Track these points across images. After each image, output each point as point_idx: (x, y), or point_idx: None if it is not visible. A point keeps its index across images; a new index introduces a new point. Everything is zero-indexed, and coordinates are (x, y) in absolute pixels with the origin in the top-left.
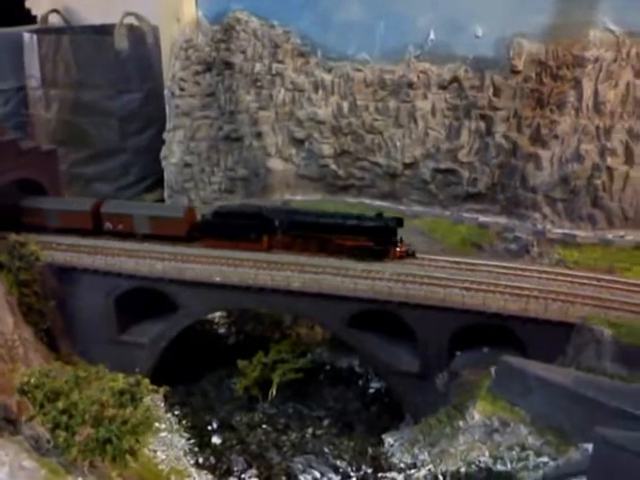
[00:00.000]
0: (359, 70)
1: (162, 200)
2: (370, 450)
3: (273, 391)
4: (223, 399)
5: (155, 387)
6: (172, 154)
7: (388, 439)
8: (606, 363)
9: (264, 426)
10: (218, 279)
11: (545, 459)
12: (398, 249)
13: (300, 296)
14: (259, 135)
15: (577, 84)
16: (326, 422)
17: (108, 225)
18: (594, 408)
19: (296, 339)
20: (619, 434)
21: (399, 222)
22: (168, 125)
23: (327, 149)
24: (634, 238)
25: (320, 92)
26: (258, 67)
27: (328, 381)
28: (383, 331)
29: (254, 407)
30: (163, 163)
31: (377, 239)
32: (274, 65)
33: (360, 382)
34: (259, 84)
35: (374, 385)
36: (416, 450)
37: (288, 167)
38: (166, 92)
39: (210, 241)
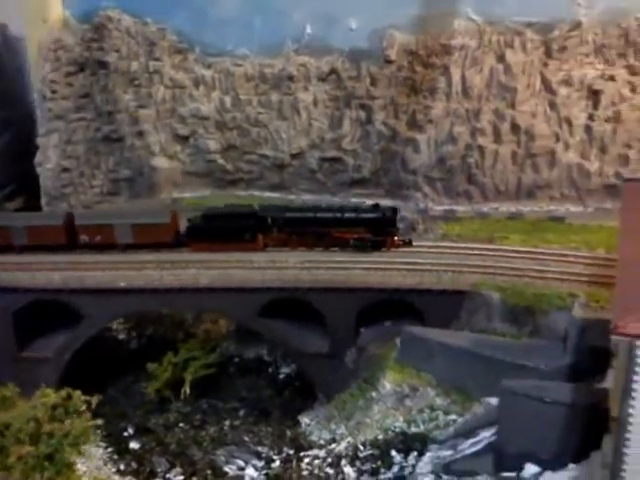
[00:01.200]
0: (239, 65)
1: (24, 209)
2: (288, 432)
3: (186, 389)
4: (135, 404)
5: (87, 398)
6: (47, 159)
7: (304, 419)
8: (496, 323)
9: (181, 425)
10: (123, 284)
11: (453, 417)
12: (396, 238)
13: (209, 292)
14: (140, 134)
15: (446, 71)
16: (242, 412)
17: (84, 238)
18: (491, 365)
19: (204, 336)
20: (522, 384)
21: (395, 211)
22: (41, 130)
23: (213, 144)
24: (507, 209)
25: (201, 88)
26: (135, 65)
27: (239, 373)
28: (293, 317)
29: (168, 408)
30: (38, 169)
31: (375, 230)
32: (151, 63)
33: (270, 369)
34: (137, 82)
35: (284, 370)
36: (333, 425)
37: (174, 165)
38: (36, 95)
39: (200, 245)
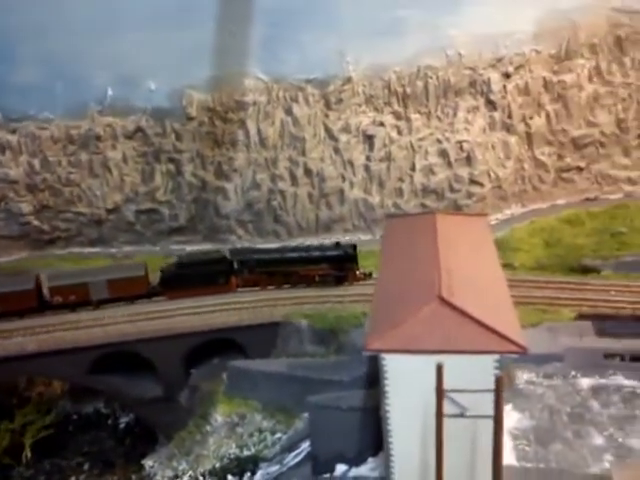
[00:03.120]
0: (44, 128)
1: None
2: (134, 477)
3: (27, 453)
4: None
5: None
6: None
7: (148, 462)
8: (307, 346)
9: None
10: None
11: (279, 435)
12: (358, 272)
13: (38, 357)
14: None
15: (243, 124)
16: (86, 466)
17: (57, 299)
18: (305, 383)
19: (38, 399)
20: (325, 397)
21: (354, 248)
22: None
23: (26, 207)
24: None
25: (8, 153)
26: None
27: (79, 429)
28: (126, 367)
29: (10, 475)
30: None
31: (338, 266)
32: None
33: (110, 421)
34: None
35: (124, 420)
36: (175, 463)
37: None
38: None
39: (175, 293)
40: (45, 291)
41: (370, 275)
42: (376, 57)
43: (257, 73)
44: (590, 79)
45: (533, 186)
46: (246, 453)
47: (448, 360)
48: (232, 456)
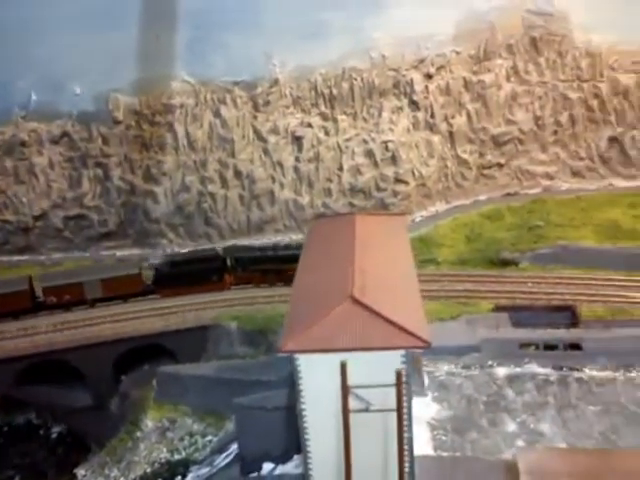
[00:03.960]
0: None
1: None
2: None
3: None
4: None
5: None
6: None
7: (80, 471)
8: (237, 348)
9: None
10: None
11: (209, 437)
12: None
13: None
14: None
15: (171, 127)
16: (18, 478)
17: (52, 299)
18: (234, 385)
19: None
20: (250, 398)
21: None
22: None
23: None
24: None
25: None
26: None
27: (10, 441)
28: (56, 377)
29: None
30: None
31: None
32: None
33: (41, 431)
34: None
35: (55, 430)
36: (107, 471)
37: None
38: None
39: (168, 291)
40: (39, 292)
41: None
42: (302, 59)
43: (184, 76)
44: (508, 79)
45: (456, 183)
46: (177, 457)
47: (358, 357)
48: (163, 461)
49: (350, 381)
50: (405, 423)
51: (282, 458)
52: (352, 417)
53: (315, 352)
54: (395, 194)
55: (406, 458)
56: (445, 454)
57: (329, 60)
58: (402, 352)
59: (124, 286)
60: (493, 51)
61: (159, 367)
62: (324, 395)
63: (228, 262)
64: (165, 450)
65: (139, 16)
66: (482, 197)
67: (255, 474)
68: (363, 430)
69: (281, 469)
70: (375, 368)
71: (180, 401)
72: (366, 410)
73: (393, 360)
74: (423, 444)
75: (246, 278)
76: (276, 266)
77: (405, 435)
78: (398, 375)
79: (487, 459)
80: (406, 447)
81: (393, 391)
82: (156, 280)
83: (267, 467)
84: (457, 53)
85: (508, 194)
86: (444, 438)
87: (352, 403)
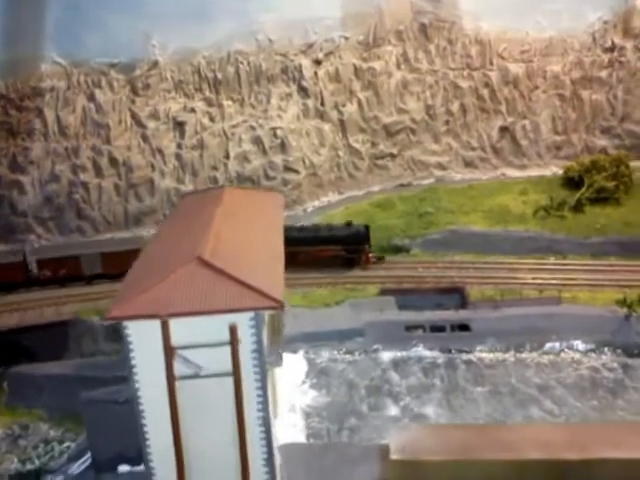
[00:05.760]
0: None
1: None
2: None
3: None
4: None
5: None
6: None
7: None
8: (102, 345)
9: None
10: None
11: (67, 444)
12: (370, 255)
13: None
14: None
15: (40, 112)
16: None
17: (45, 272)
18: (95, 383)
19: None
20: (99, 392)
21: (367, 228)
22: None
23: None
24: (121, 237)
25: None
26: None
27: None
28: None
29: None
30: None
31: (348, 247)
32: None
33: None
34: None
35: None
36: None
37: None
38: None
39: None
40: (32, 265)
41: (383, 259)
42: (184, 41)
43: (55, 57)
44: (398, 66)
45: (349, 173)
46: (29, 467)
47: (202, 323)
48: (13, 472)
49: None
50: (259, 400)
51: (139, 459)
52: (189, 389)
53: (145, 318)
54: (285, 183)
55: (261, 443)
56: (317, 442)
57: (213, 42)
58: (251, 314)
59: (127, 263)
60: (382, 37)
61: (11, 368)
62: (159, 369)
63: None
64: (16, 460)
65: None
66: (375, 188)
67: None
68: (204, 405)
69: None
70: (224, 334)
71: (35, 404)
72: (196, 376)
73: (242, 324)
74: (297, 432)
75: None
76: (288, 248)
77: (257, 414)
78: (232, 331)
79: (360, 445)
80: (261, 429)
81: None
82: None
83: (123, 468)
84: (346, 39)
85: (401, 185)
86: (319, 426)
87: (180, 369)
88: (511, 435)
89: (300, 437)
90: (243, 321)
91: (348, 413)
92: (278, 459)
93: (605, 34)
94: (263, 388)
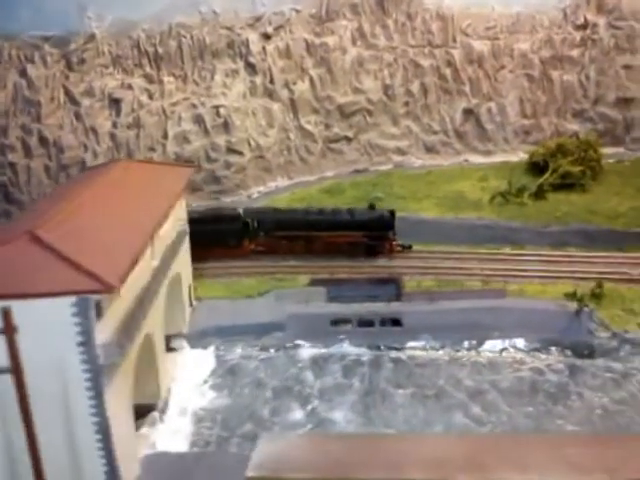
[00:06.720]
0: None
1: None
2: None
3: None
4: None
5: None
6: None
7: None
8: None
9: None
10: None
11: None
12: (394, 243)
13: None
14: None
15: None
16: None
17: None
18: None
19: None
20: None
21: (392, 214)
22: None
23: None
24: None
25: None
26: None
27: None
28: None
29: None
30: None
31: (371, 234)
32: None
33: None
34: None
35: None
36: None
37: None
38: None
39: None
40: None
41: (410, 247)
42: (122, 13)
43: None
44: (353, 42)
45: (300, 157)
46: None
47: (25, 307)
48: None
49: None
50: (91, 403)
51: None
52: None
53: None
54: (228, 166)
55: (99, 454)
56: (196, 450)
57: (153, 14)
58: (72, 299)
59: None
60: (336, 10)
61: None
62: None
63: (250, 225)
64: None
65: None
66: (329, 173)
67: None
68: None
69: None
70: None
71: None
72: None
73: (62, 310)
74: (179, 439)
75: (269, 245)
76: (306, 232)
77: (92, 419)
78: (5, 315)
79: (239, 454)
80: (97, 437)
81: None
82: None
83: None
84: (297, 12)
85: (357, 170)
86: (208, 432)
87: None
88: (401, 448)
89: (181, 445)
90: (63, 307)
91: (245, 418)
92: (134, 471)
93: (577, 10)
94: (96, 388)
